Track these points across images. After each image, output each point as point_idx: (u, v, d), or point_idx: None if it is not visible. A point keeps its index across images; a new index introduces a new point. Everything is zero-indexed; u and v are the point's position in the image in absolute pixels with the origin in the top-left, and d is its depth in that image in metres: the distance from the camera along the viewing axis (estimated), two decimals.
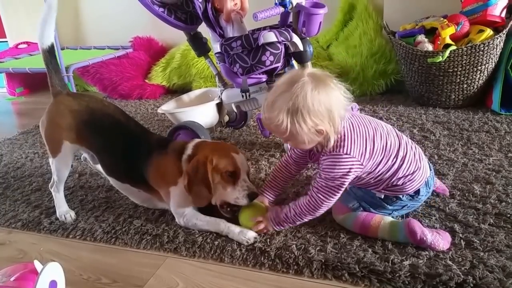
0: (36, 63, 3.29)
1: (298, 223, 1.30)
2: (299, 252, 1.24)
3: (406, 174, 1.25)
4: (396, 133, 1.28)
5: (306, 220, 1.28)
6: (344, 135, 1.20)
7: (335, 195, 1.22)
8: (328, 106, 1.14)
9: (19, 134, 2.62)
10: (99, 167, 1.68)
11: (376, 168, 1.23)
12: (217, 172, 1.36)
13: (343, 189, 1.22)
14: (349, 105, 1.19)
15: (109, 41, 3.66)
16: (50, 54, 1.57)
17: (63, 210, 1.59)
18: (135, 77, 3.22)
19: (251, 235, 1.32)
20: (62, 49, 3.63)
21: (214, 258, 1.28)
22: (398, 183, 1.26)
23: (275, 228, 1.32)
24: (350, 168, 1.18)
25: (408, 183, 1.26)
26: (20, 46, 3.77)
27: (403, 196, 1.29)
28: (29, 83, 3.75)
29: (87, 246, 1.43)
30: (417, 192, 1.29)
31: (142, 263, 1.31)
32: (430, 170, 1.33)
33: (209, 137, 1.97)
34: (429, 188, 1.32)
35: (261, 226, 1.32)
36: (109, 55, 3.27)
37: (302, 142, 1.19)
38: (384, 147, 1.23)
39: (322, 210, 1.25)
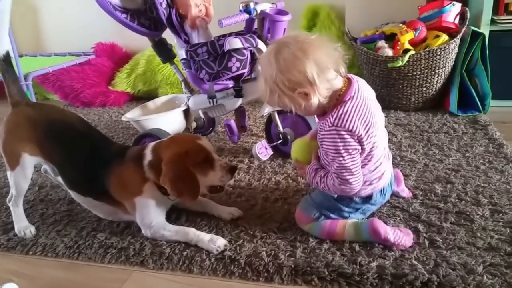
0: None
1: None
2: (269, 258, 1.24)
3: (366, 173, 1.24)
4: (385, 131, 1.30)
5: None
6: (342, 108, 1.16)
7: (354, 174, 1.18)
8: (307, 67, 1.08)
9: None
10: (60, 179, 1.62)
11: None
12: (193, 162, 1.34)
13: (357, 164, 1.18)
14: (342, 57, 1.14)
15: (71, 48, 3.55)
16: (6, 62, 1.50)
17: (22, 225, 1.52)
18: (97, 84, 3.13)
19: (221, 242, 1.31)
20: (21, 56, 3.48)
21: (183, 270, 1.26)
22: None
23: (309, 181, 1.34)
24: (349, 143, 1.16)
25: (362, 187, 1.26)
26: None
27: (355, 197, 1.30)
28: None
29: (49, 262, 1.37)
30: (370, 196, 1.31)
31: (107, 278, 1.27)
32: (391, 176, 1.35)
33: None
34: (384, 195, 1.34)
35: (300, 171, 1.38)
36: (70, 62, 3.18)
37: (296, 108, 1.17)
38: (371, 134, 1.19)
39: (355, 191, 1.22)
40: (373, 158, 1.23)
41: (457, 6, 2.27)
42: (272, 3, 1.79)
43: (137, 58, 3.19)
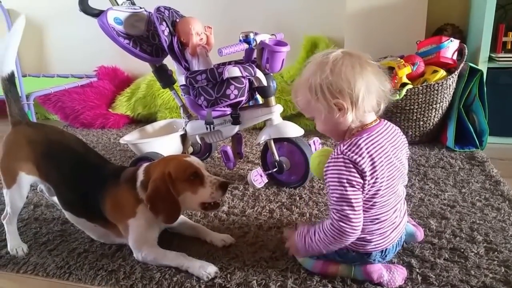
0: None
1: (325, 251, 1.17)
2: None
3: (365, 222, 1.14)
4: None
5: (334, 248, 1.16)
6: (359, 139, 1.10)
7: (356, 211, 1.08)
8: (351, 81, 1.05)
9: None
10: (55, 199, 1.62)
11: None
12: (181, 180, 1.33)
13: (359, 201, 1.09)
14: (387, 96, 1.10)
15: (73, 70, 3.61)
16: (9, 82, 1.53)
17: (15, 243, 1.51)
18: (98, 106, 3.16)
19: (211, 269, 1.29)
20: (24, 76, 3.54)
21: None
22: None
23: (301, 255, 1.26)
24: (352, 174, 1.07)
25: (360, 242, 1.17)
26: None
27: (352, 252, 1.21)
28: None
29: (39, 282, 1.36)
30: (369, 254, 1.20)
31: None
32: (400, 239, 1.26)
33: None
34: (385, 256, 1.22)
35: (290, 252, 1.28)
36: (72, 84, 3.22)
37: (323, 119, 1.11)
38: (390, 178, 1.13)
39: (356, 232, 1.10)
40: (374, 207, 1.14)
41: (455, 43, 2.31)
42: (272, 34, 1.82)
43: (138, 82, 3.24)
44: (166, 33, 1.87)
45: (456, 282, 1.20)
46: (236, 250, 1.42)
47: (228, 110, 1.89)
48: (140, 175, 1.39)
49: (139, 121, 3.20)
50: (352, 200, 1.08)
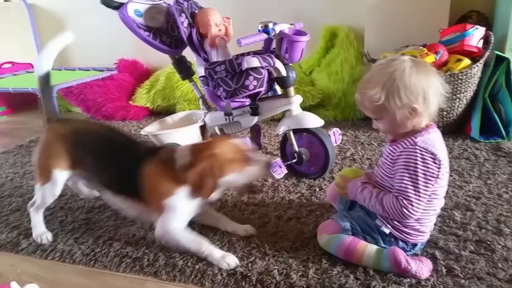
0: (20, 83, 3.26)
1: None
2: (281, 277, 1.22)
3: (421, 220, 1.23)
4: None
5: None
6: (427, 133, 1.19)
7: (420, 200, 1.16)
8: (424, 87, 1.14)
9: (0, 154, 2.57)
10: (80, 187, 1.70)
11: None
12: (228, 162, 1.33)
13: (428, 191, 1.17)
14: (442, 99, 1.18)
15: (94, 63, 3.66)
16: (45, 81, 1.60)
17: (40, 231, 1.56)
18: (119, 99, 3.20)
19: (231, 260, 1.30)
20: None
21: (195, 283, 1.25)
22: (408, 223, 1.23)
23: (348, 197, 1.35)
24: (428, 164, 1.15)
25: (416, 233, 1.24)
26: (4, 66, 3.74)
27: (401, 241, 1.26)
28: (12, 103, 3.70)
29: (66, 268, 1.40)
30: (414, 245, 1.27)
31: (121, 287, 1.28)
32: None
33: None
34: (422, 246, 1.31)
35: (338, 190, 1.38)
36: (93, 76, 3.26)
37: (393, 120, 1.18)
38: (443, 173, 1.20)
39: (412, 217, 1.19)
40: (434, 199, 1.22)
41: (481, 30, 2.24)
42: (291, 24, 1.80)
43: (157, 75, 3.26)
44: (185, 24, 1.87)
45: (482, 275, 1.17)
46: (257, 240, 1.43)
47: (247, 101, 1.88)
48: (183, 156, 1.38)
49: (158, 113, 3.22)
50: (421, 190, 1.16)
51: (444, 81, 1.19)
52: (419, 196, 1.16)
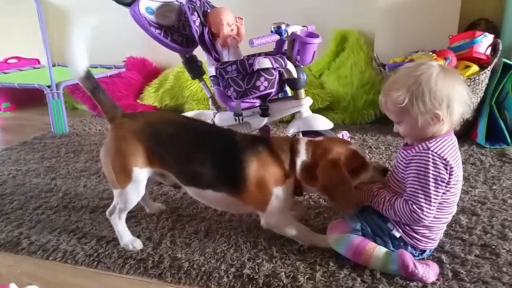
0: (26, 78, 3.25)
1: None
2: (288, 280, 1.23)
3: (432, 227, 1.24)
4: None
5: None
6: (443, 139, 1.19)
7: (431, 205, 1.17)
8: (450, 94, 1.14)
9: (3, 150, 2.54)
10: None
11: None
12: (348, 169, 1.30)
13: (438, 197, 1.18)
14: (467, 109, 1.19)
15: (102, 60, 3.66)
16: (89, 79, 1.44)
17: (128, 239, 1.45)
18: (126, 97, 3.21)
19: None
20: (54, 65, 3.61)
21: (200, 285, 1.25)
22: (418, 230, 1.24)
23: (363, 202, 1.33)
24: (439, 170, 1.15)
25: (426, 240, 1.25)
26: (9, 61, 3.73)
27: (410, 247, 1.26)
28: (17, 98, 3.68)
29: (68, 269, 1.37)
30: (423, 252, 1.28)
31: None
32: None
33: None
34: (430, 253, 1.31)
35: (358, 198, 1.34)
36: (101, 74, 3.26)
37: (415, 125, 1.18)
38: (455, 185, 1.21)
39: (423, 222, 1.19)
40: (446, 207, 1.23)
41: (489, 38, 2.26)
42: (303, 26, 1.82)
43: (166, 74, 3.27)
44: (197, 23, 1.88)
45: (487, 279, 1.18)
46: (264, 242, 1.43)
47: (257, 102, 1.90)
48: (303, 153, 1.34)
49: None
50: (432, 195, 1.16)
51: (468, 85, 1.19)
52: (430, 201, 1.17)
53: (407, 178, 1.21)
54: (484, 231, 1.42)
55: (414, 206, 1.17)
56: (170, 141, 1.40)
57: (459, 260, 1.27)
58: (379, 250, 1.24)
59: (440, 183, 1.16)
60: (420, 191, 1.17)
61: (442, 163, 1.16)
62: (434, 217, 1.21)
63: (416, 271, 1.18)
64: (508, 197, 1.66)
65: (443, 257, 1.29)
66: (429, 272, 1.19)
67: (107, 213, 1.50)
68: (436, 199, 1.17)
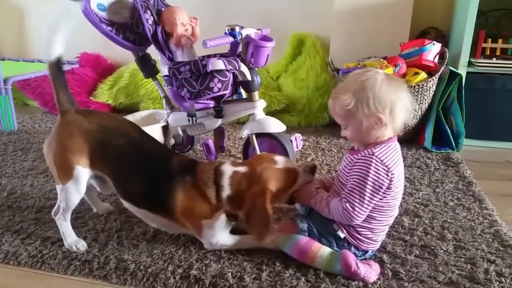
0: None
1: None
2: (234, 280, 1.23)
3: (374, 229, 1.28)
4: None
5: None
6: (387, 146, 1.23)
7: (363, 207, 1.21)
8: (392, 99, 1.19)
9: None
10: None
11: (381, 199, 1.24)
12: (282, 191, 1.34)
13: (373, 201, 1.21)
14: (409, 116, 1.25)
15: None
16: (57, 67, 1.42)
17: (72, 239, 1.42)
18: (79, 94, 3.10)
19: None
20: (3, 59, 3.46)
21: (146, 286, 1.24)
22: (361, 231, 1.28)
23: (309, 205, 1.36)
24: (379, 175, 1.19)
25: (368, 241, 1.29)
26: None
27: (353, 247, 1.30)
28: None
29: (10, 271, 1.33)
30: (365, 252, 1.33)
31: None
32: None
33: None
34: (372, 253, 1.36)
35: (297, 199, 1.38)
36: None
37: (359, 128, 1.22)
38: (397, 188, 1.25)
39: (354, 222, 1.23)
40: (387, 210, 1.27)
41: (437, 46, 2.36)
42: (258, 29, 1.83)
43: (121, 71, 3.20)
44: (150, 21, 1.86)
45: (424, 278, 1.24)
46: None
47: (211, 103, 1.89)
48: (226, 186, 1.32)
49: (121, 111, 3.15)
50: (366, 197, 1.20)
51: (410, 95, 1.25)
52: (363, 203, 1.21)
53: (348, 181, 1.25)
54: (424, 232, 1.48)
55: (347, 205, 1.21)
56: (116, 154, 1.39)
57: (400, 260, 1.32)
58: (324, 251, 1.27)
59: (377, 188, 1.20)
60: (356, 192, 1.21)
61: (384, 169, 1.20)
62: (376, 220, 1.26)
63: (358, 271, 1.22)
64: (450, 199, 1.74)
65: (385, 257, 1.33)
66: (370, 272, 1.23)
67: (52, 213, 1.47)
68: (370, 202, 1.21)
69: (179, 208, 1.34)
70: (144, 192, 1.37)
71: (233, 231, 1.41)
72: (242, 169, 1.35)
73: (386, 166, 1.20)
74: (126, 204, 1.44)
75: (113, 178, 1.41)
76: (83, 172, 1.38)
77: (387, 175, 1.20)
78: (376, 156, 1.21)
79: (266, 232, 1.26)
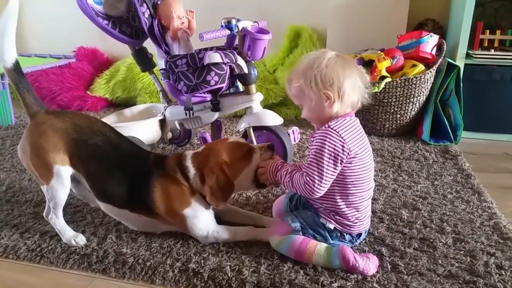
0: None
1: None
2: (233, 273, 1.23)
3: (358, 206, 1.29)
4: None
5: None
6: (343, 119, 1.26)
7: (323, 179, 1.22)
8: (340, 77, 1.23)
9: None
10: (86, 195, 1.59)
11: (351, 173, 1.26)
12: (237, 161, 1.38)
13: (330, 172, 1.23)
14: (365, 96, 1.28)
15: (52, 50, 3.52)
16: (16, 72, 1.40)
17: (70, 234, 1.42)
18: (76, 88, 3.10)
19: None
20: None
21: (145, 280, 1.25)
22: (348, 213, 1.29)
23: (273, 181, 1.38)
24: (335, 146, 1.21)
25: (358, 222, 1.31)
26: None
27: (347, 234, 1.32)
28: None
29: (9, 264, 1.34)
30: (359, 235, 1.35)
31: (67, 284, 1.25)
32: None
33: None
34: (366, 234, 1.40)
35: (263, 177, 1.39)
36: (49, 64, 3.14)
37: (311, 106, 1.27)
38: (366, 163, 1.28)
39: (316, 194, 1.25)
40: (362, 185, 1.28)
41: (435, 38, 2.35)
42: (254, 21, 1.82)
43: (118, 65, 3.19)
44: (146, 15, 1.84)
45: (424, 271, 1.24)
46: None
47: (208, 97, 1.88)
48: (191, 167, 1.37)
49: (117, 105, 3.15)
50: (324, 171, 1.22)
51: (367, 76, 1.30)
52: (322, 174, 1.22)
53: (309, 153, 1.28)
54: (423, 225, 1.48)
55: (307, 178, 1.24)
56: (92, 153, 1.39)
57: (399, 253, 1.33)
58: (320, 247, 1.27)
59: (334, 158, 1.22)
60: (314, 164, 1.23)
61: (340, 140, 1.22)
62: (355, 196, 1.28)
63: (357, 264, 1.22)
64: (448, 192, 1.74)
65: (384, 250, 1.33)
66: (369, 265, 1.23)
67: (44, 215, 1.47)
68: (328, 173, 1.23)
69: (158, 201, 1.36)
70: (123, 191, 1.38)
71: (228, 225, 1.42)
72: (199, 150, 1.44)
73: (341, 137, 1.22)
74: (104, 206, 1.44)
75: (90, 178, 1.41)
76: (64, 170, 1.38)
77: (344, 146, 1.22)
78: (331, 128, 1.24)
79: (224, 198, 1.33)
